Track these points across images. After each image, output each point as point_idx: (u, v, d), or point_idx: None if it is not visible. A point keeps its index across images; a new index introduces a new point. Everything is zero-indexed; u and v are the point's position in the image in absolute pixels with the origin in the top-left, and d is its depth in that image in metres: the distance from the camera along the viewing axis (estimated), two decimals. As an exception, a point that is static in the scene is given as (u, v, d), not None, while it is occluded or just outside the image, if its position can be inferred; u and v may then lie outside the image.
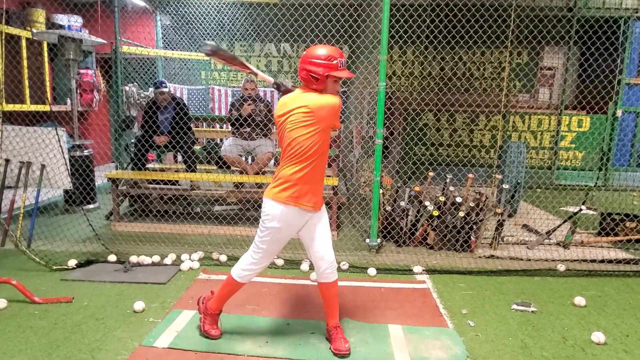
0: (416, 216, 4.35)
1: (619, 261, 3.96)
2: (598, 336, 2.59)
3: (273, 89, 3.17)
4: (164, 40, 7.81)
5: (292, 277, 3.49)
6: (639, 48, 7.58)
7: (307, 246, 2.47)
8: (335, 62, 2.28)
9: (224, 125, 7.21)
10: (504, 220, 4.22)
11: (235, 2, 7.14)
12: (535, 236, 4.63)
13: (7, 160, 4.18)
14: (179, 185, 5.22)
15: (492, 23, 5.16)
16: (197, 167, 5.39)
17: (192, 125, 5.53)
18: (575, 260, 3.96)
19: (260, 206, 2.50)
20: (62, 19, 6.24)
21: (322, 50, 2.29)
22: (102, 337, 2.54)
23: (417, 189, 4.41)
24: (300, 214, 2.33)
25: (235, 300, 2.80)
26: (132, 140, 5.93)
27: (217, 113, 8.33)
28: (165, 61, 7.91)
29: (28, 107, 6.03)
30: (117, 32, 6.07)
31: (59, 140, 4.16)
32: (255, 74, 2.52)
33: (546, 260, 3.97)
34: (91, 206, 5.34)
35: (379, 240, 4.11)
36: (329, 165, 5.03)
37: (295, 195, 2.28)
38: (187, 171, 5.17)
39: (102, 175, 5.32)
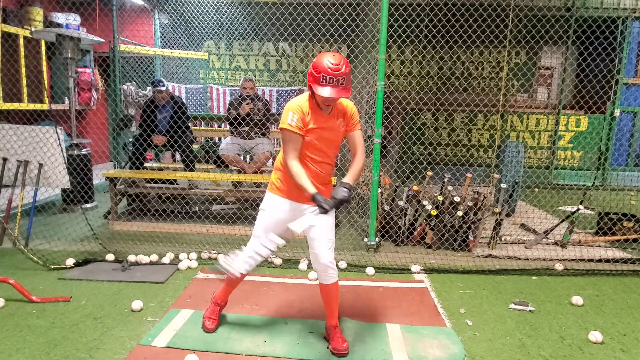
0: (414, 215, 4.36)
1: (616, 260, 3.97)
2: (595, 335, 2.60)
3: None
4: (162, 39, 7.79)
5: (290, 277, 3.49)
6: (636, 48, 7.60)
7: (309, 244, 2.46)
8: (319, 75, 2.09)
9: (223, 124, 7.21)
10: (502, 220, 4.22)
11: (234, 1, 7.13)
12: (533, 236, 4.64)
13: (5, 159, 4.17)
14: (177, 184, 5.22)
15: (490, 23, 5.16)
16: (196, 166, 5.38)
17: (190, 124, 5.53)
18: (572, 260, 3.96)
19: (258, 205, 2.51)
20: (60, 17, 6.22)
21: (321, 57, 2.14)
22: (100, 336, 2.54)
23: (415, 188, 4.41)
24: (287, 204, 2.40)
25: (233, 299, 2.81)
26: (130, 139, 5.92)
27: (215, 112, 8.33)
28: (163, 60, 7.90)
29: (26, 105, 6.02)
30: (115, 30, 6.06)
31: (57, 139, 4.16)
32: None
33: (544, 260, 3.98)
34: (89, 205, 5.33)
35: (377, 240, 4.11)
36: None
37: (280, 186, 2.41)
38: (186, 170, 5.16)
39: (100, 174, 5.31)
